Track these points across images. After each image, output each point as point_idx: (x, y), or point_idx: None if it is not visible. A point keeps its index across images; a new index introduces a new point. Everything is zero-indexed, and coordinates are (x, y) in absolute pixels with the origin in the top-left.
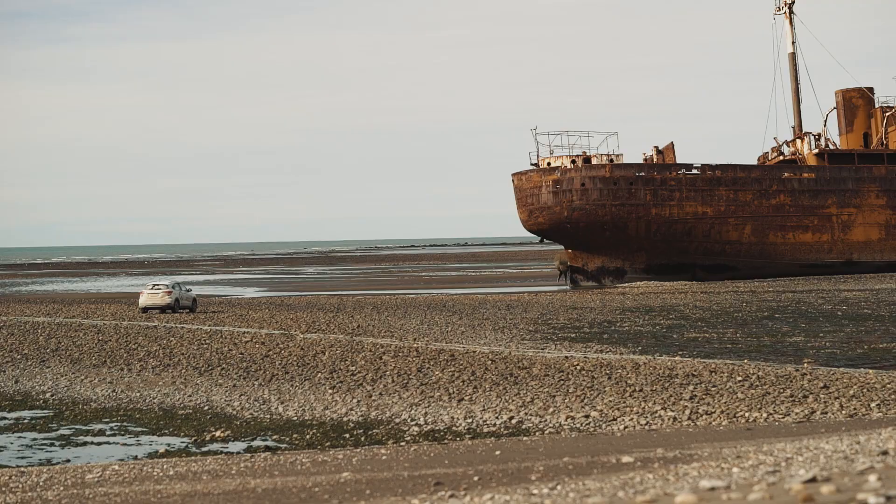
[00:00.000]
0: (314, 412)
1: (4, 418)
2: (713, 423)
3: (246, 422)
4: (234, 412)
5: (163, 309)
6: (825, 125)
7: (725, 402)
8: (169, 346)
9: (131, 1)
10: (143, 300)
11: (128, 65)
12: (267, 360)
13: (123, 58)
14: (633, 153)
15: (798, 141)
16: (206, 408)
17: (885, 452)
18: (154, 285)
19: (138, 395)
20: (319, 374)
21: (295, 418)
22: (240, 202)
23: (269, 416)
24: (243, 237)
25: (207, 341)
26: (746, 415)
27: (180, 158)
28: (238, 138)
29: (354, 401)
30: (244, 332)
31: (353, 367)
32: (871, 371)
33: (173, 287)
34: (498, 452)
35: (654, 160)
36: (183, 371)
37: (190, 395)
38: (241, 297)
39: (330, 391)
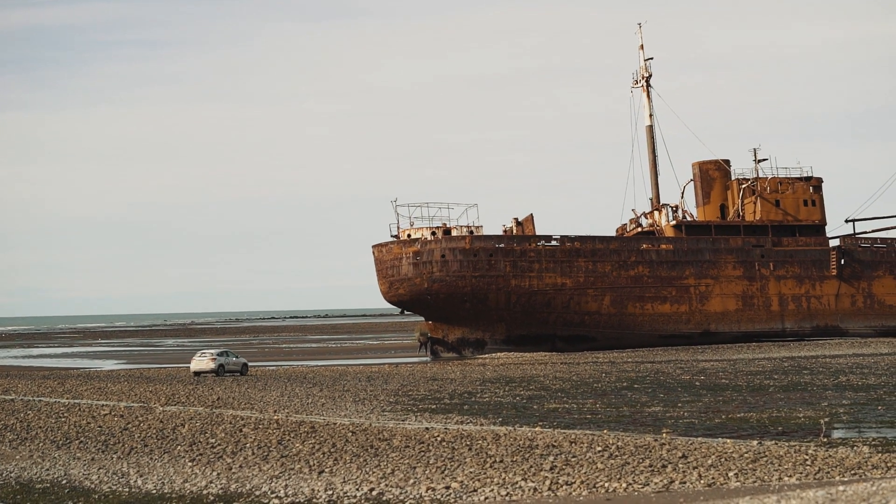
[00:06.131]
0: (174, 485)
1: None
2: (573, 493)
3: (104, 495)
4: (93, 486)
5: (209, 373)
6: (682, 197)
7: (585, 473)
8: (26, 420)
9: None
10: (193, 365)
11: None
12: (126, 432)
13: None
14: (493, 225)
15: (656, 213)
16: (63, 482)
17: None
18: (202, 352)
19: None
20: (179, 447)
21: (154, 491)
22: (98, 275)
23: (127, 490)
24: (103, 309)
25: (65, 414)
26: (606, 485)
27: (34, 231)
28: (95, 210)
29: (214, 473)
30: (103, 405)
31: (213, 440)
32: (728, 441)
33: (219, 355)
34: None
35: (514, 232)
36: (40, 444)
37: (47, 469)
38: (100, 369)
39: (189, 464)
